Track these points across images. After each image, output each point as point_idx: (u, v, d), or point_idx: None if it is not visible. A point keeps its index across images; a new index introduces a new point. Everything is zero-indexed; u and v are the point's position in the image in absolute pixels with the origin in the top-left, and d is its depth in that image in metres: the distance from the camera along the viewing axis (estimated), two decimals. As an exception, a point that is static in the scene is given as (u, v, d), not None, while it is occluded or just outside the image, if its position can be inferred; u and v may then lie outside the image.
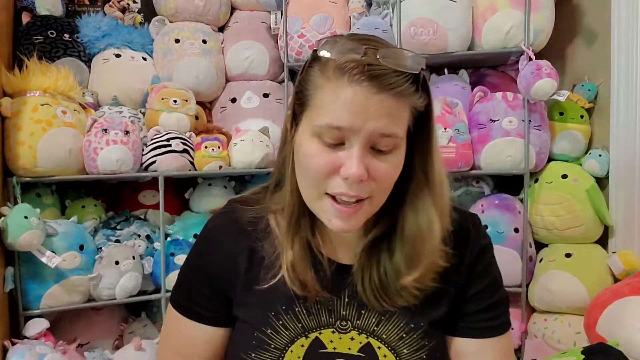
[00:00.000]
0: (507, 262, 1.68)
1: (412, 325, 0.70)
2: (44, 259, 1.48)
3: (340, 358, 0.70)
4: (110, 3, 1.95)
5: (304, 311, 0.71)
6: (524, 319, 1.74)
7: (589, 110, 1.80)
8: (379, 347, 0.70)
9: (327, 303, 0.71)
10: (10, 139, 1.52)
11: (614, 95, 1.69)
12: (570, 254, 1.67)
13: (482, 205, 1.76)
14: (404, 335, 0.70)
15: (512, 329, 0.75)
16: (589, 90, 1.79)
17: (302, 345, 0.71)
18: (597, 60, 1.80)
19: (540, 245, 1.80)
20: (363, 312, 0.71)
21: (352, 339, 0.70)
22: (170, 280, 1.70)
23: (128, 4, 1.99)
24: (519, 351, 1.73)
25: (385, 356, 0.69)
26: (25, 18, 1.74)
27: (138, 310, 1.84)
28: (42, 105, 1.55)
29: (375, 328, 0.70)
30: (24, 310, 1.53)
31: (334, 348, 0.70)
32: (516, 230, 1.69)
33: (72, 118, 1.61)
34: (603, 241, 1.72)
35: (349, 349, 0.70)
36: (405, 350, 0.69)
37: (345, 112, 0.59)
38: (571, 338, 1.60)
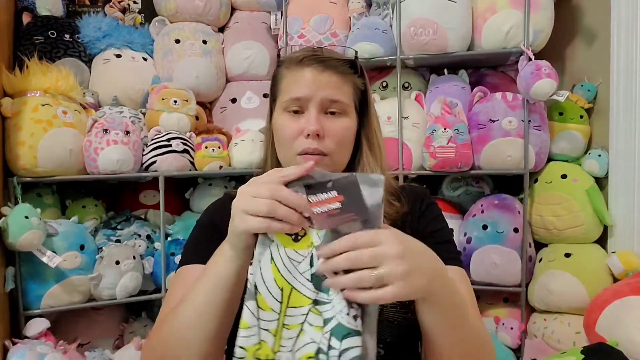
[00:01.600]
0: (507, 262, 1.68)
1: None
2: (44, 259, 1.49)
3: None
4: (111, 3, 1.96)
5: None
6: (523, 318, 1.74)
7: (589, 110, 1.81)
8: None
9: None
10: (11, 139, 1.52)
11: (614, 96, 1.69)
12: (570, 253, 1.67)
13: (481, 205, 1.76)
14: None
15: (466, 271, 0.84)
16: (589, 90, 1.80)
17: None
18: (596, 60, 1.80)
19: (540, 245, 1.80)
20: None
21: None
22: (171, 280, 1.71)
23: (128, 5, 1.99)
24: (518, 351, 1.73)
25: None
26: (26, 18, 1.74)
27: (138, 310, 1.84)
28: (43, 105, 1.55)
29: None
30: (24, 310, 1.53)
31: None
32: (516, 230, 1.69)
33: (73, 118, 1.61)
34: (602, 241, 1.72)
35: None
36: None
37: (302, 86, 0.81)
38: (571, 338, 1.61)
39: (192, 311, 0.65)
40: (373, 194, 0.58)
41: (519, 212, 1.72)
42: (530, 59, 1.63)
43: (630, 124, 1.63)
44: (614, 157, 1.69)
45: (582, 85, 1.81)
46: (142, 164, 1.71)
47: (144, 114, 1.82)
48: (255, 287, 0.58)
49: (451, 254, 0.84)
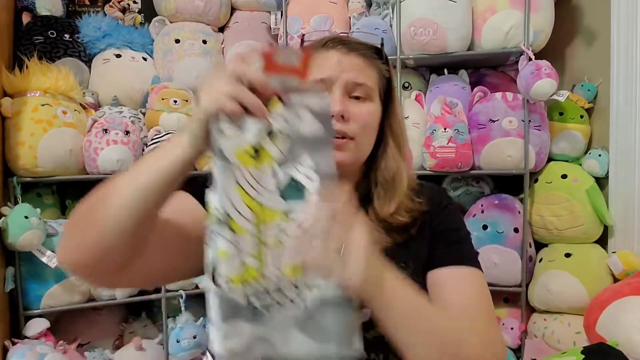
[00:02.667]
0: (507, 262, 1.68)
1: (402, 265, 0.76)
2: (44, 259, 1.49)
3: None
4: (111, 3, 1.95)
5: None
6: (523, 318, 1.74)
7: (589, 110, 1.81)
8: None
9: None
10: (11, 139, 1.52)
11: (614, 95, 1.69)
12: (570, 254, 1.67)
13: (482, 205, 1.76)
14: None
15: (482, 271, 0.80)
16: (589, 90, 1.79)
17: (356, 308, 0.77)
18: (596, 60, 1.80)
19: (540, 245, 1.80)
20: None
21: None
22: (171, 280, 1.70)
23: (128, 5, 1.99)
24: (518, 351, 1.73)
25: None
26: (26, 18, 1.74)
27: (138, 310, 1.84)
28: (43, 105, 1.55)
29: None
30: (24, 310, 1.53)
31: None
32: (516, 230, 1.69)
33: (73, 118, 1.61)
34: (603, 241, 1.72)
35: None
36: None
37: (326, 68, 0.79)
38: (571, 338, 1.61)
39: (128, 185, 0.61)
40: (322, 100, 0.60)
41: (519, 212, 1.72)
42: (530, 59, 1.63)
43: (630, 124, 1.63)
44: (614, 157, 1.69)
45: (582, 85, 1.81)
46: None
47: (143, 114, 1.82)
48: (227, 214, 0.56)
49: (464, 254, 0.82)
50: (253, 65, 0.59)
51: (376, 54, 0.83)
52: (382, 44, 0.86)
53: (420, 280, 0.78)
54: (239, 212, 0.57)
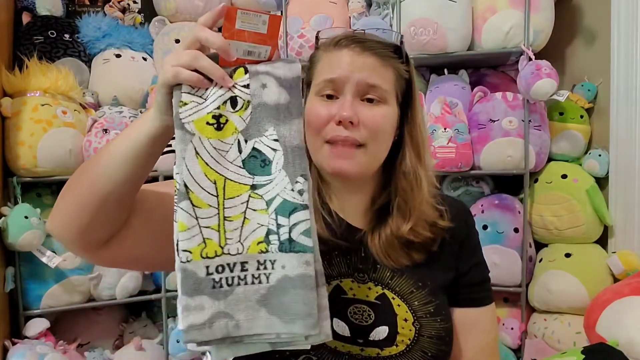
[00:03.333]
0: (507, 262, 1.68)
1: (420, 284, 0.77)
2: (44, 259, 1.49)
3: (359, 303, 0.77)
4: (111, 3, 1.95)
5: (325, 262, 0.75)
6: (523, 319, 1.74)
7: (589, 110, 1.81)
8: (393, 298, 0.77)
9: (346, 257, 0.78)
10: (11, 139, 1.52)
11: (614, 95, 1.69)
12: (570, 254, 1.67)
13: (482, 205, 1.76)
14: (414, 290, 0.77)
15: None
16: (589, 90, 1.79)
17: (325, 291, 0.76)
18: (596, 60, 1.80)
19: (540, 245, 1.80)
20: (378, 266, 0.78)
21: (369, 288, 0.77)
22: (171, 280, 1.71)
23: (128, 4, 1.99)
24: (519, 351, 1.73)
25: (399, 305, 0.76)
26: (26, 18, 1.74)
27: (138, 310, 1.84)
28: (42, 105, 1.55)
29: (390, 281, 0.77)
30: (24, 310, 1.53)
31: (354, 295, 0.77)
32: (516, 230, 1.69)
33: (72, 118, 1.61)
34: (603, 241, 1.72)
35: (367, 296, 0.77)
36: (416, 302, 0.77)
37: (337, 68, 0.74)
38: (571, 338, 1.61)
39: (104, 156, 0.63)
40: (291, 68, 0.58)
41: (519, 212, 1.72)
42: (530, 59, 1.63)
43: (630, 124, 1.63)
44: (614, 157, 1.69)
45: (582, 85, 1.81)
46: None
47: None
48: (186, 185, 0.55)
49: (488, 292, 0.84)
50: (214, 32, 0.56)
51: (395, 52, 0.77)
52: (401, 42, 0.79)
53: (438, 300, 0.77)
54: (198, 184, 0.55)
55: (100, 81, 1.82)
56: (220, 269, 0.54)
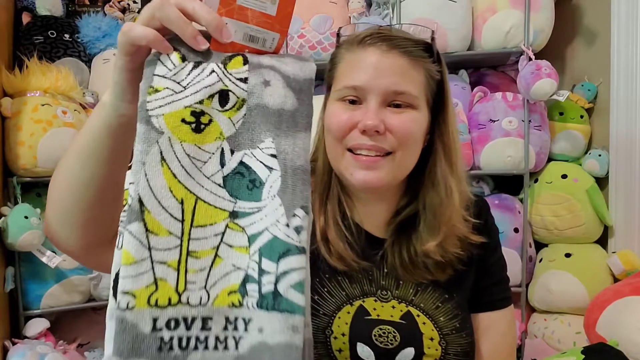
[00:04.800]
0: (507, 262, 1.67)
1: (446, 296, 0.73)
2: (44, 259, 1.49)
3: (384, 324, 0.72)
4: (111, 3, 1.95)
5: (347, 280, 0.73)
6: (523, 318, 1.74)
7: (589, 110, 1.80)
8: (418, 315, 0.72)
9: (367, 273, 0.73)
10: (11, 139, 1.52)
11: (614, 95, 1.69)
12: (570, 254, 1.67)
13: (482, 205, 1.76)
14: (440, 304, 0.73)
15: None
16: (589, 90, 1.79)
17: (348, 312, 0.72)
18: (596, 60, 1.80)
19: (540, 245, 1.80)
20: (401, 282, 0.73)
21: (393, 307, 0.73)
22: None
23: (128, 4, 1.99)
24: (519, 351, 1.73)
25: (424, 323, 0.72)
26: (26, 18, 1.74)
27: (138, 310, 1.84)
28: (43, 105, 1.55)
29: (413, 298, 0.73)
30: (24, 310, 1.53)
31: (378, 315, 0.72)
32: (516, 230, 1.69)
33: (73, 118, 1.61)
34: (603, 241, 1.72)
35: (391, 316, 0.72)
36: (441, 318, 0.73)
37: (361, 72, 0.67)
38: (571, 338, 1.60)
39: (70, 152, 0.54)
40: (303, 68, 0.45)
41: (519, 212, 1.72)
42: (530, 59, 1.63)
43: (630, 124, 1.63)
44: (614, 157, 1.69)
45: (582, 85, 1.81)
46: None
47: (143, 114, 1.81)
48: (141, 201, 0.39)
49: (506, 293, 0.81)
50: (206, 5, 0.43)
51: (425, 51, 0.69)
52: (432, 38, 0.71)
53: (463, 312, 0.74)
54: (159, 202, 0.40)
55: (100, 81, 1.82)
56: (172, 324, 0.39)
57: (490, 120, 1.70)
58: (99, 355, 1.62)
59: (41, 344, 1.44)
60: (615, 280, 1.58)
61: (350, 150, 0.68)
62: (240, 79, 0.43)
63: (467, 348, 0.73)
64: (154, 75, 0.41)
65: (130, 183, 0.41)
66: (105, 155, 0.50)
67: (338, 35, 0.74)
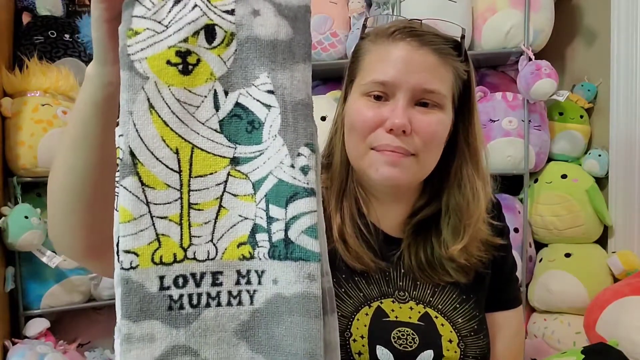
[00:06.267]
0: (507, 262, 1.68)
1: (464, 297, 0.72)
2: (44, 259, 1.49)
3: (402, 326, 0.71)
4: (111, 3, 1.95)
5: (364, 281, 0.71)
6: (523, 318, 1.74)
7: (589, 110, 1.80)
8: (436, 317, 0.72)
9: (385, 274, 0.72)
10: (11, 139, 1.52)
11: (614, 95, 1.69)
12: (570, 254, 1.67)
13: (482, 205, 1.76)
14: (457, 305, 0.72)
15: None
16: (589, 90, 1.79)
17: (367, 314, 0.71)
18: (596, 60, 1.80)
19: (540, 245, 1.80)
20: (418, 283, 0.72)
21: (411, 308, 0.72)
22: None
23: (128, 4, 1.99)
24: (518, 351, 1.73)
25: (442, 325, 0.71)
26: (26, 18, 1.74)
27: (138, 310, 1.84)
28: (43, 105, 1.55)
29: (431, 299, 0.72)
30: (24, 310, 1.53)
31: (396, 317, 0.71)
32: (516, 230, 1.69)
33: (73, 118, 1.61)
34: (603, 241, 1.72)
35: (409, 317, 0.72)
36: (459, 320, 0.71)
37: (390, 67, 0.64)
38: (571, 338, 1.60)
39: (65, 139, 0.49)
40: None
41: (519, 212, 1.72)
42: (530, 59, 1.63)
43: (630, 124, 1.63)
44: (614, 157, 1.69)
45: (582, 85, 1.81)
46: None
47: (144, 114, 1.81)
48: (132, 154, 0.37)
49: (516, 292, 0.81)
50: None
51: (454, 49, 0.68)
52: (462, 36, 0.69)
53: (481, 313, 0.74)
54: (152, 153, 0.37)
55: (100, 81, 1.82)
56: (180, 281, 0.38)
57: (490, 120, 1.70)
58: (99, 355, 1.62)
59: (41, 344, 1.44)
60: (615, 280, 1.58)
61: (373, 149, 0.66)
62: (227, 11, 0.38)
63: (485, 350, 0.72)
64: (132, 17, 0.37)
65: (119, 135, 0.38)
66: (95, 137, 0.46)
67: (364, 26, 0.71)
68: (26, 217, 1.44)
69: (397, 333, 0.70)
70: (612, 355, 1.17)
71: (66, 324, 1.68)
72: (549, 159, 1.77)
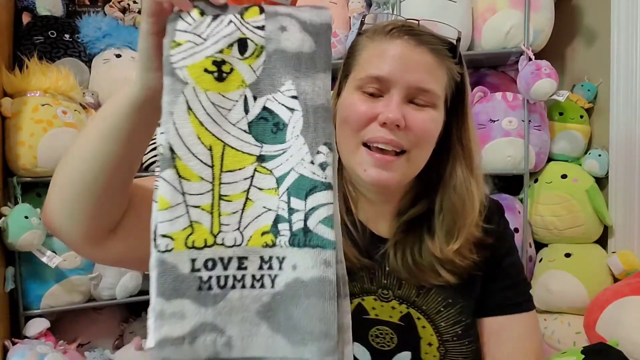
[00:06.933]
0: (507, 262, 1.68)
1: (450, 301, 0.71)
2: (44, 259, 1.49)
3: (382, 325, 0.70)
4: (111, 3, 1.95)
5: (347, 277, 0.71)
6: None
7: (589, 110, 1.81)
8: (419, 318, 0.70)
9: (369, 271, 0.71)
10: (11, 139, 1.52)
11: (614, 95, 1.69)
12: (570, 254, 1.67)
13: (482, 205, 1.76)
14: (442, 309, 0.71)
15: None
16: (589, 90, 1.79)
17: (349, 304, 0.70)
18: (596, 60, 1.80)
19: (540, 245, 1.80)
20: (403, 282, 0.71)
21: (393, 307, 0.71)
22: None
23: (128, 4, 1.99)
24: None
25: (424, 327, 0.70)
26: (26, 18, 1.74)
27: (138, 310, 1.84)
28: (43, 105, 1.55)
29: (416, 299, 0.71)
30: (24, 310, 1.53)
31: (376, 315, 0.71)
32: (516, 230, 1.69)
33: (73, 118, 1.61)
34: (603, 241, 1.72)
35: (390, 317, 0.71)
36: (442, 324, 0.70)
37: (386, 63, 0.64)
38: (571, 338, 1.60)
39: (89, 133, 0.53)
40: (319, 14, 0.46)
41: (519, 212, 1.72)
42: (530, 59, 1.63)
43: (630, 124, 1.63)
44: (614, 157, 1.69)
45: (582, 85, 1.81)
46: (142, 164, 1.71)
47: (143, 114, 1.81)
48: (172, 149, 0.42)
49: (524, 296, 0.75)
50: None
51: (450, 51, 0.68)
52: (458, 39, 0.70)
53: (467, 319, 0.71)
54: (189, 149, 0.42)
55: (100, 81, 1.82)
56: (210, 264, 0.42)
57: (490, 120, 1.70)
58: (99, 355, 1.62)
59: (41, 344, 1.44)
60: (615, 280, 1.58)
61: (365, 144, 0.66)
62: (258, 27, 0.44)
63: (470, 356, 0.70)
64: (176, 30, 0.44)
65: (161, 133, 0.43)
66: (127, 131, 0.50)
67: (362, 22, 0.72)
68: (26, 217, 1.44)
69: (375, 331, 0.70)
70: (612, 355, 1.17)
71: (66, 324, 1.68)
72: (549, 159, 1.77)
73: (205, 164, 0.43)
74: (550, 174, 1.75)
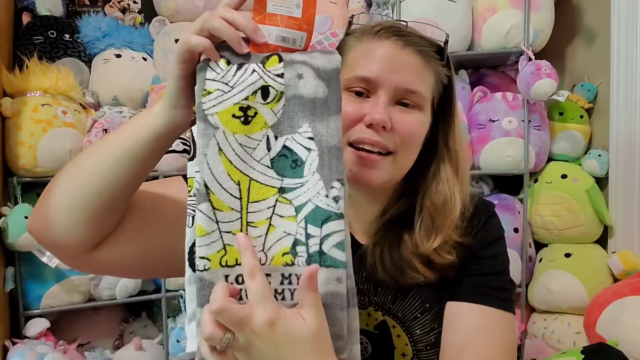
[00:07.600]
0: (507, 262, 1.68)
1: (427, 305, 0.70)
2: (44, 259, 1.49)
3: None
4: (111, 3, 1.95)
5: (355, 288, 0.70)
6: (523, 318, 1.74)
7: (589, 110, 1.81)
8: (394, 326, 0.70)
9: None
10: (11, 139, 1.52)
11: (614, 96, 1.69)
12: (570, 253, 1.67)
13: (482, 205, 1.76)
14: (419, 315, 0.70)
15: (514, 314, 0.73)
16: (589, 90, 1.79)
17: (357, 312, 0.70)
18: (596, 60, 1.80)
19: (540, 245, 1.80)
20: (380, 289, 0.70)
21: (369, 315, 0.70)
22: (171, 280, 1.70)
23: (128, 5, 1.99)
24: (518, 351, 1.73)
25: (398, 336, 0.70)
26: (26, 18, 1.74)
27: (138, 310, 1.84)
28: (43, 105, 1.55)
29: (392, 305, 0.70)
30: (24, 310, 1.53)
31: None
32: (516, 230, 1.69)
33: (73, 118, 1.61)
34: (603, 241, 1.72)
35: (366, 325, 0.70)
36: (417, 331, 0.69)
37: (374, 64, 0.65)
38: (571, 338, 1.60)
39: (102, 151, 0.57)
40: (330, 59, 0.52)
41: (519, 212, 1.72)
42: (530, 59, 1.63)
43: (630, 124, 1.63)
44: (614, 157, 1.69)
45: (582, 85, 1.81)
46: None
47: (143, 114, 1.81)
48: (206, 185, 0.49)
49: (496, 292, 0.70)
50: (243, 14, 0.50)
51: (437, 53, 0.69)
52: (446, 41, 0.70)
53: (440, 327, 0.69)
54: (220, 185, 0.49)
55: (100, 81, 1.82)
56: (240, 279, 0.49)
57: (490, 120, 1.70)
58: (99, 355, 1.62)
59: (41, 344, 1.44)
60: (615, 280, 1.58)
61: (351, 145, 0.65)
62: (278, 75, 0.51)
63: None
64: (206, 79, 0.50)
65: (196, 172, 0.50)
66: (143, 156, 0.55)
67: (350, 23, 0.72)
68: (26, 217, 1.44)
69: None
70: (612, 355, 1.17)
71: (66, 324, 1.68)
72: (549, 159, 1.77)
73: (234, 196, 0.50)
74: (550, 174, 1.75)
